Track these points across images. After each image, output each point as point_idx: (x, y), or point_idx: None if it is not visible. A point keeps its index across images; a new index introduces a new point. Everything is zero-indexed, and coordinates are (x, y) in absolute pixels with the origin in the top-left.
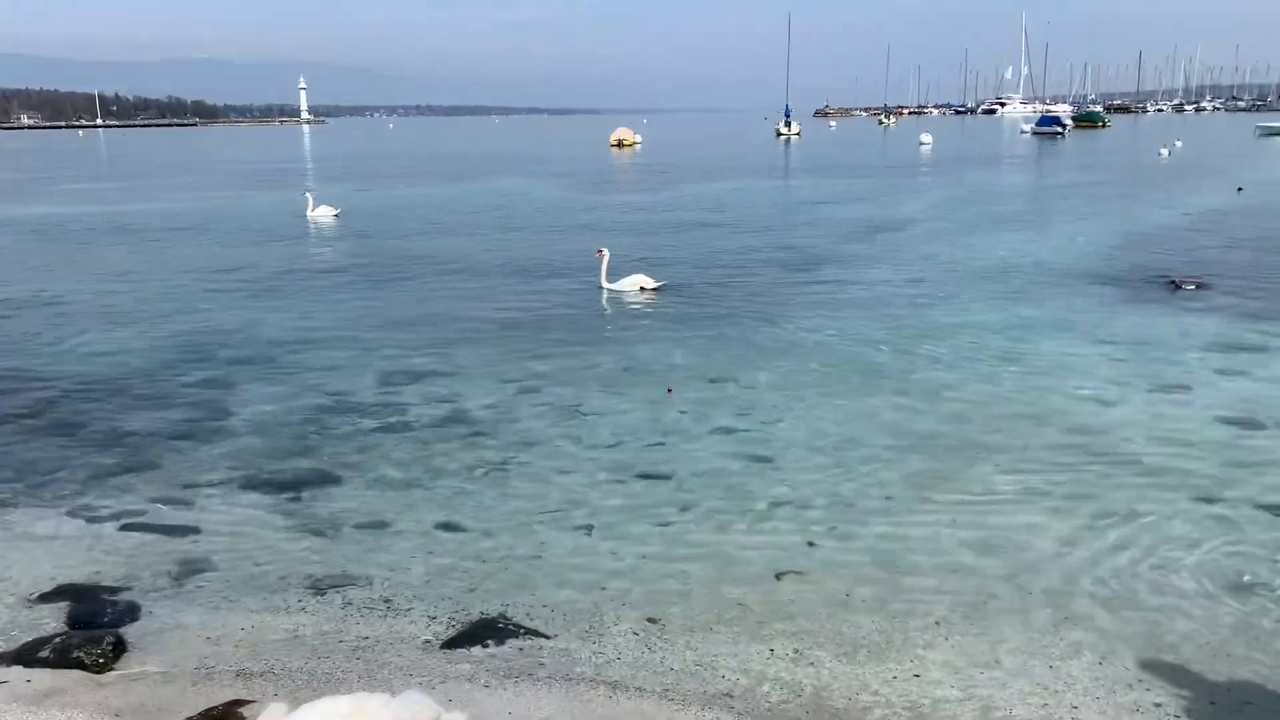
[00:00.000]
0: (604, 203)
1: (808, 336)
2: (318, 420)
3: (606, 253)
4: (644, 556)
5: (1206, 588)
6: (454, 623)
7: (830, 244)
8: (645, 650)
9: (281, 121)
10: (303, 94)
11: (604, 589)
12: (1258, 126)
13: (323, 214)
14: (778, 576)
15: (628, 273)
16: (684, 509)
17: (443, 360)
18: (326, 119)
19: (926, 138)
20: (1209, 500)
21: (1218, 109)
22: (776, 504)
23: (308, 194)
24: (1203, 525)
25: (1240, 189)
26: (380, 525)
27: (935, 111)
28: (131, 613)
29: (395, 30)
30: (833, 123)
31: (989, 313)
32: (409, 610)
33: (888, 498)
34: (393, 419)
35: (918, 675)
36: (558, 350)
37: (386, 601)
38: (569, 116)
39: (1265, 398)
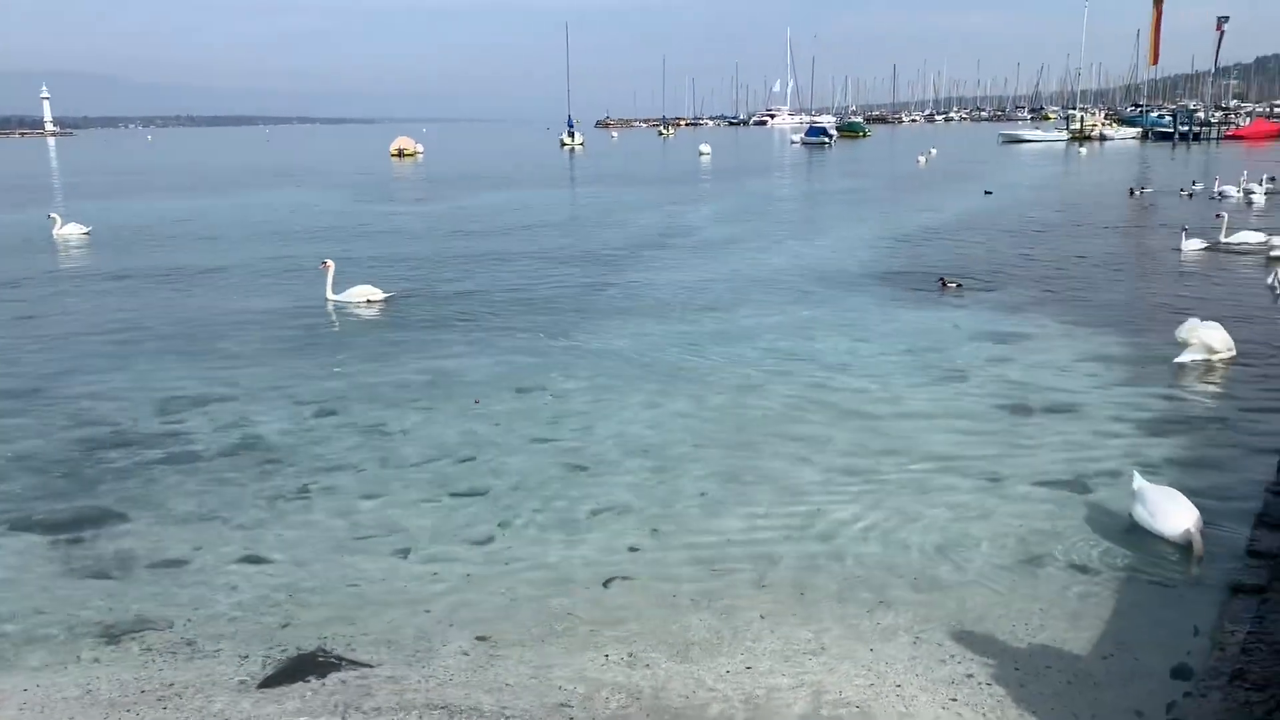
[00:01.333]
0: (386, 213)
1: (610, 343)
2: (94, 455)
3: (332, 264)
4: (467, 575)
5: (1000, 562)
6: (270, 661)
7: (623, 252)
8: (477, 669)
9: (22, 134)
10: (46, 104)
11: (428, 611)
12: (1000, 134)
13: (71, 232)
14: (605, 583)
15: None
16: (504, 523)
17: (225, 384)
18: (74, 131)
19: (705, 148)
20: (994, 480)
21: (964, 119)
22: (597, 511)
23: (51, 215)
24: (991, 504)
25: (989, 192)
26: (175, 563)
27: (710, 123)
28: None
29: (152, 38)
30: (614, 133)
31: (780, 314)
32: (217, 651)
33: (702, 495)
34: (178, 449)
35: (750, 668)
36: (351, 366)
37: (190, 644)
38: (344, 126)
39: (1030, 382)
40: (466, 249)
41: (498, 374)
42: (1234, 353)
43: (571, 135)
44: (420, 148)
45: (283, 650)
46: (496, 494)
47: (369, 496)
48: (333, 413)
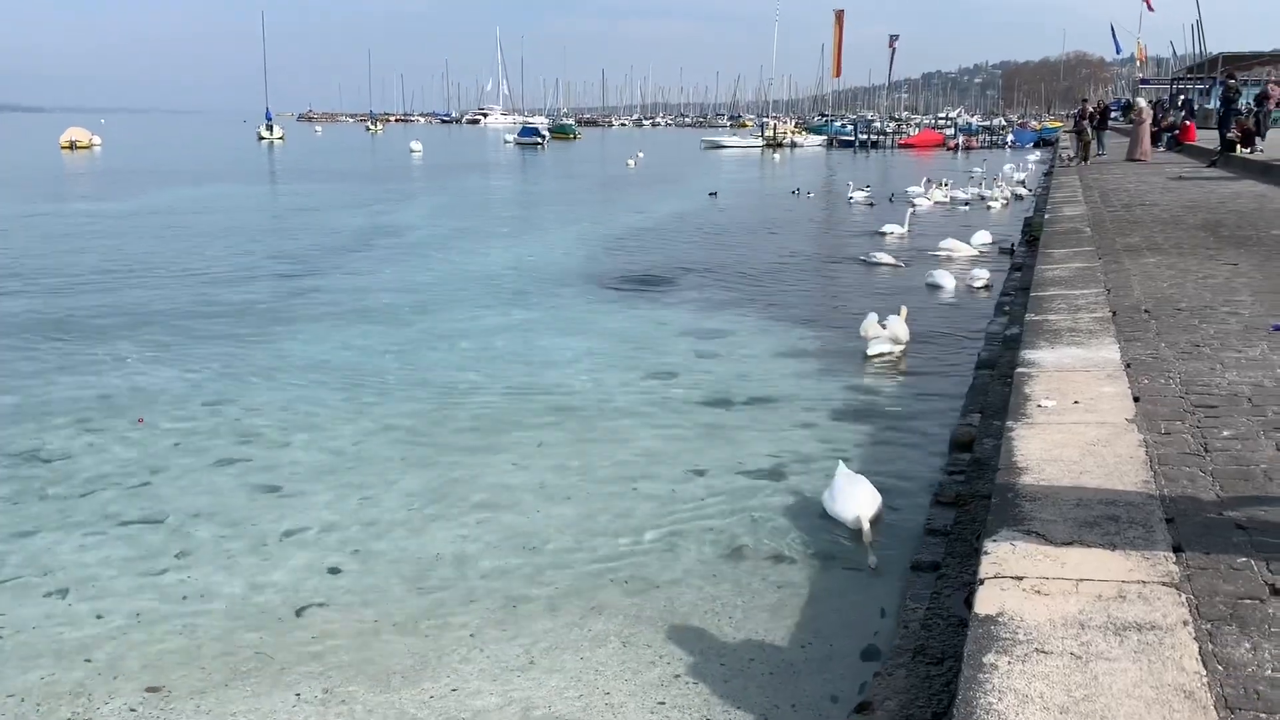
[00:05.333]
0: (41, 214)
1: (309, 351)
2: None
3: None
4: (137, 616)
5: (705, 557)
6: None
7: (326, 253)
8: None
9: None
10: None
11: (89, 661)
12: (702, 140)
13: None
14: (298, 613)
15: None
16: (182, 555)
17: None
18: None
19: (417, 145)
20: (700, 474)
21: (669, 124)
22: (291, 534)
23: None
24: (698, 498)
25: (714, 193)
26: None
27: (422, 119)
28: None
29: None
30: (319, 128)
31: (493, 315)
32: None
33: (410, 511)
34: None
35: (455, 690)
36: None
37: None
38: (3, 115)
39: (733, 377)
40: (140, 251)
41: (178, 389)
42: (906, 344)
43: (270, 129)
44: (98, 140)
45: None
46: (174, 522)
47: (20, 534)
48: None
